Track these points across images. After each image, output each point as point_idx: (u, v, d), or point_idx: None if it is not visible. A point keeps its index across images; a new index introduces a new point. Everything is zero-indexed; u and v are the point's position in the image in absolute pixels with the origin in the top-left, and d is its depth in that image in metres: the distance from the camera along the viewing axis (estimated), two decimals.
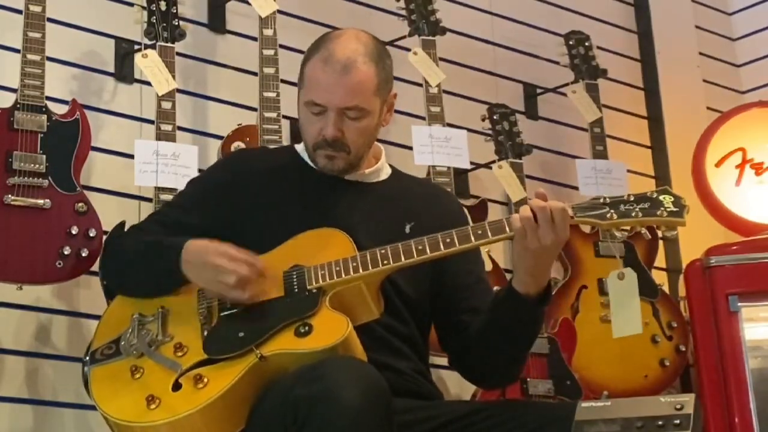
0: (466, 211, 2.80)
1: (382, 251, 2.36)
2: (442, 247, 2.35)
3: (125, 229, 2.70)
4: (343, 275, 2.35)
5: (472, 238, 2.34)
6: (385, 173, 2.66)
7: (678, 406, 2.10)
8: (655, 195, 2.34)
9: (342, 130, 2.50)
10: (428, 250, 2.35)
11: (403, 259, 2.35)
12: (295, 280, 2.39)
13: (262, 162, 2.66)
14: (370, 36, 2.59)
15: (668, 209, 2.31)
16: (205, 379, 2.28)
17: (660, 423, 2.08)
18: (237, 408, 2.27)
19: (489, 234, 2.34)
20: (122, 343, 2.41)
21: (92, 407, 2.99)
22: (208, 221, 2.55)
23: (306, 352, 2.25)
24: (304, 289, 2.37)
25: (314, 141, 2.53)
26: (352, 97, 2.49)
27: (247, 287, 2.37)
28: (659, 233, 2.34)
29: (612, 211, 2.32)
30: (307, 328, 2.29)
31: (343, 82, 2.48)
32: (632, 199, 2.34)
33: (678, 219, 2.31)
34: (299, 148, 2.66)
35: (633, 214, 2.32)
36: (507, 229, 2.33)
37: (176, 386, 2.29)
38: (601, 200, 2.35)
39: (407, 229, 2.52)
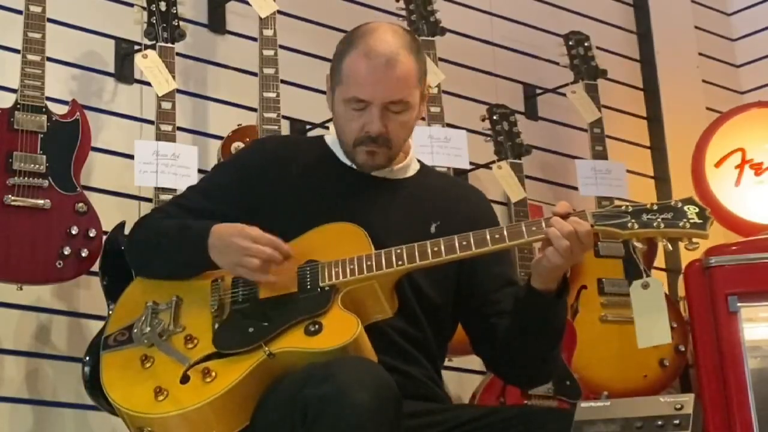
0: (494, 211, 2.71)
1: (398, 251, 2.34)
2: (458, 250, 2.32)
3: (144, 215, 2.67)
4: (357, 274, 2.33)
5: (489, 243, 2.32)
6: (413, 169, 2.61)
7: (677, 406, 2.10)
8: (679, 205, 2.28)
9: (386, 124, 2.45)
10: (444, 253, 2.32)
11: (417, 260, 2.33)
12: (308, 276, 2.37)
13: (291, 152, 2.60)
14: (404, 28, 2.58)
15: (692, 220, 2.25)
16: (213, 373, 2.28)
17: (660, 423, 2.08)
18: (244, 403, 2.27)
19: (506, 239, 2.31)
20: (135, 330, 2.42)
21: (92, 407, 3.01)
22: (230, 210, 2.52)
23: (314, 352, 2.24)
24: (316, 286, 2.35)
25: (355, 137, 2.47)
26: (398, 91, 2.45)
27: (271, 269, 2.36)
28: (681, 245, 2.27)
29: (633, 220, 2.27)
30: (317, 326, 2.28)
31: (388, 76, 2.43)
32: (655, 208, 2.28)
33: (701, 231, 2.25)
34: (329, 140, 2.61)
35: (655, 224, 2.26)
36: (525, 234, 2.30)
37: (185, 378, 2.30)
38: (623, 208, 2.30)
39: (432, 229, 2.48)
